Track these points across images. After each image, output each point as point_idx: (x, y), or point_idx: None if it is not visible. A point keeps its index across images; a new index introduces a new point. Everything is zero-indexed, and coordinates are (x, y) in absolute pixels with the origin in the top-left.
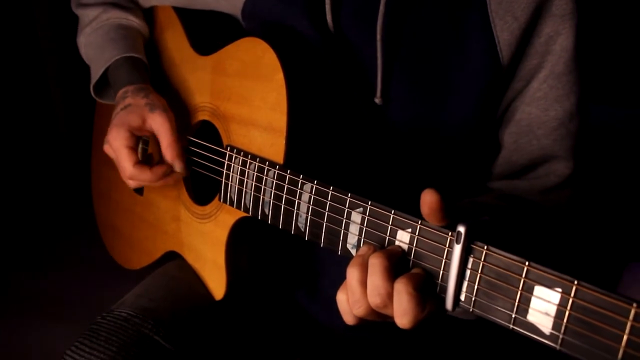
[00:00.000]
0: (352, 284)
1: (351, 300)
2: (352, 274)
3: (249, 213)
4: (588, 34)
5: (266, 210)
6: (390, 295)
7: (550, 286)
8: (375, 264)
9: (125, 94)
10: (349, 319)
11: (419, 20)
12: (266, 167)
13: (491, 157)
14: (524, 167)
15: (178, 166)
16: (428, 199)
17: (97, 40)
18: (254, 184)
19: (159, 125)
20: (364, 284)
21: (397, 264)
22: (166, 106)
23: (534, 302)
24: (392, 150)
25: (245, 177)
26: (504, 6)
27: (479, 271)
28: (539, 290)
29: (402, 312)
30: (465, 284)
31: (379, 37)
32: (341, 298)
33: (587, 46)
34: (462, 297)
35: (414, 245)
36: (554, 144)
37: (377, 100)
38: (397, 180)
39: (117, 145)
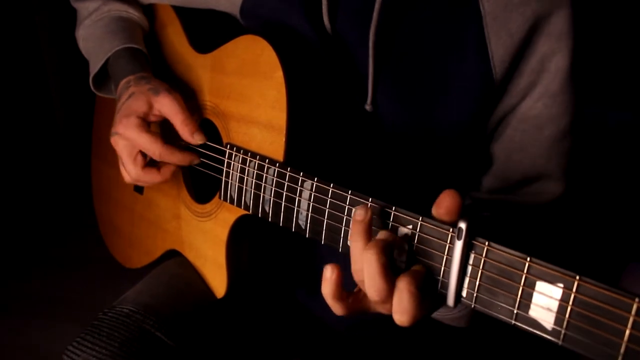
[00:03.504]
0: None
1: (356, 277)
2: (356, 244)
3: (249, 211)
4: (584, 53)
5: (267, 208)
6: (389, 292)
7: (552, 281)
8: (372, 260)
9: (127, 83)
10: (337, 311)
11: (414, 29)
12: (266, 165)
13: (484, 163)
14: (517, 183)
15: (197, 139)
16: (448, 202)
17: (96, 33)
18: (254, 181)
19: (167, 106)
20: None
21: (395, 252)
22: (170, 88)
23: (536, 298)
24: (387, 151)
25: (246, 175)
26: (500, 22)
27: (481, 267)
28: (540, 285)
29: (402, 310)
30: (467, 280)
31: (371, 46)
32: (325, 291)
33: (583, 66)
34: (464, 294)
35: (415, 241)
36: (546, 162)
37: (368, 107)
38: (394, 178)
39: (132, 134)
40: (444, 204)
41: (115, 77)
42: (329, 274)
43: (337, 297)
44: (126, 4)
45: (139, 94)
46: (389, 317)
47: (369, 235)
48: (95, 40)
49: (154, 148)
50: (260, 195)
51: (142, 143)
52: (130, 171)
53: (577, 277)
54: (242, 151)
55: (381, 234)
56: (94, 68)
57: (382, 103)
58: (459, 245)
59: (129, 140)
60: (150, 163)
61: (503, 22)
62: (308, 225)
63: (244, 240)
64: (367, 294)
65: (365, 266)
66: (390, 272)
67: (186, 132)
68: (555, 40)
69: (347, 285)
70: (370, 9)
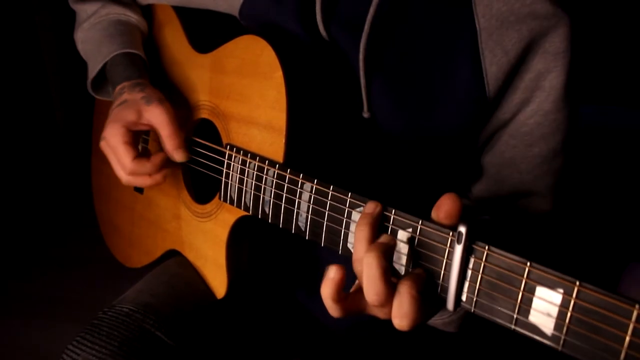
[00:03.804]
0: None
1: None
2: (361, 234)
3: (249, 212)
4: (581, 72)
5: (266, 210)
6: (388, 296)
7: (552, 287)
8: (373, 263)
9: (122, 90)
10: (334, 312)
11: (405, 43)
12: (266, 166)
13: (475, 172)
14: (506, 196)
15: (178, 156)
16: (448, 206)
17: (95, 36)
18: (254, 182)
19: (156, 117)
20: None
21: (394, 256)
22: (163, 98)
23: (536, 303)
24: (385, 155)
25: (245, 176)
26: (495, 39)
27: (480, 272)
28: (540, 291)
29: (403, 315)
30: (467, 284)
31: (361, 57)
32: (325, 292)
33: (578, 85)
34: (464, 298)
35: (414, 245)
36: (535, 180)
37: (365, 115)
38: (392, 182)
39: (114, 142)
40: (444, 208)
41: (113, 82)
42: (332, 274)
43: (336, 299)
44: (125, 7)
45: (131, 102)
46: (387, 319)
47: (375, 228)
48: (93, 44)
49: (125, 161)
50: (260, 196)
51: (119, 153)
52: (120, 176)
53: (577, 283)
54: (241, 152)
55: (382, 238)
56: (92, 72)
57: (377, 111)
58: (458, 249)
59: (111, 147)
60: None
61: (498, 39)
62: (308, 227)
63: (244, 241)
64: (366, 297)
65: (365, 269)
66: (390, 276)
67: (170, 145)
68: (552, 58)
69: (345, 287)
70: (363, 21)
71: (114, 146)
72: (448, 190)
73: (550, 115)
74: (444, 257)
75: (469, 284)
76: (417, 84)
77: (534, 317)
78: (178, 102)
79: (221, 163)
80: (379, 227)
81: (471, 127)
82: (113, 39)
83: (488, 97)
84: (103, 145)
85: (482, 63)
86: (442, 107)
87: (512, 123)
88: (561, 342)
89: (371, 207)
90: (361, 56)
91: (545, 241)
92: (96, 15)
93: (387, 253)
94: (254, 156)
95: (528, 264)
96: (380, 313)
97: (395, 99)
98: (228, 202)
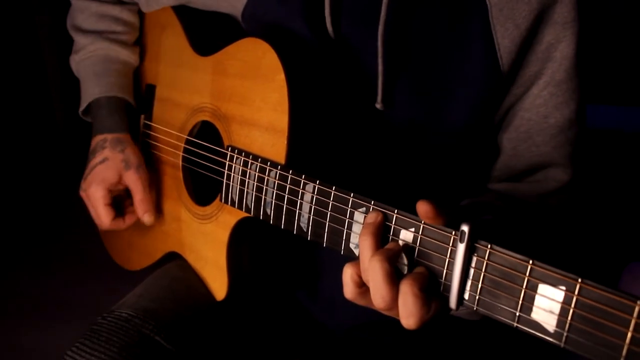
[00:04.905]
0: (364, 256)
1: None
2: (365, 243)
3: (250, 213)
4: (589, 41)
5: (268, 211)
6: (394, 299)
7: (554, 284)
8: (376, 267)
9: (104, 143)
10: (348, 293)
11: (420, 26)
12: (268, 168)
13: (491, 159)
14: (523, 172)
15: (147, 220)
16: (423, 211)
17: (83, 70)
18: (255, 184)
19: (133, 183)
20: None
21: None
22: (140, 163)
23: (538, 300)
24: (393, 151)
25: (247, 177)
26: (505, 13)
27: (483, 270)
28: (543, 288)
29: (408, 314)
30: (469, 282)
31: (380, 44)
32: (347, 270)
33: (587, 54)
34: (466, 296)
35: (417, 244)
36: (552, 151)
37: (378, 106)
38: (399, 180)
39: (95, 201)
40: (422, 214)
41: (94, 126)
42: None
43: (356, 282)
44: (114, 44)
45: (112, 162)
46: (388, 321)
47: (378, 236)
48: (82, 77)
49: (105, 220)
50: (261, 197)
51: (99, 212)
52: (97, 223)
53: (579, 280)
54: (243, 154)
55: (387, 245)
56: (81, 105)
57: (393, 100)
58: (461, 248)
59: (92, 204)
60: (116, 207)
61: (509, 12)
62: (310, 228)
63: (245, 242)
64: (374, 303)
65: (370, 274)
66: (395, 279)
67: (140, 210)
68: (561, 28)
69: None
70: (377, 10)
71: (95, 205)
72: (464, 181)
73: (563, 85)
74: (446, 255)
75: (472, 282)
76: (435, 70)
77: (537, 315)
78: (179, 104)
79: (222, 165)
80: (382, 233)
81: (488, 107)
82: (98, 79)
83: (502, 72)
84: (83, 196)
85: (494, 39)
86: (460, 89)
87: (526, 96)
88: (563, 338)
89: (373, 216)
90: (380, 44)
91: (547, 241)
92: (85, 50)
93: (391, 259)
94: (255, 158)
95: (530, 261)
96: (391, 314)
97: (415, 88)
98: (229, 203)
